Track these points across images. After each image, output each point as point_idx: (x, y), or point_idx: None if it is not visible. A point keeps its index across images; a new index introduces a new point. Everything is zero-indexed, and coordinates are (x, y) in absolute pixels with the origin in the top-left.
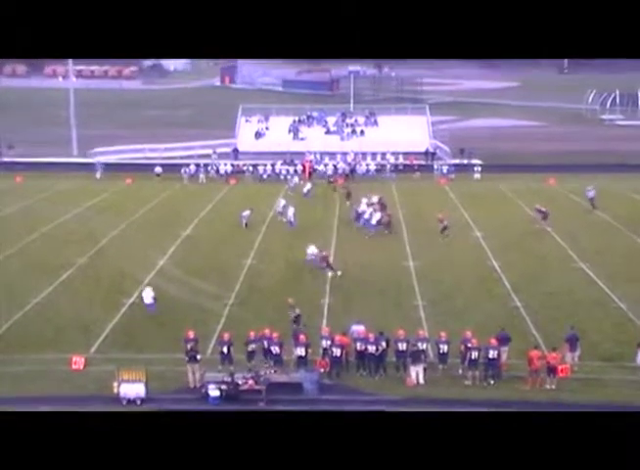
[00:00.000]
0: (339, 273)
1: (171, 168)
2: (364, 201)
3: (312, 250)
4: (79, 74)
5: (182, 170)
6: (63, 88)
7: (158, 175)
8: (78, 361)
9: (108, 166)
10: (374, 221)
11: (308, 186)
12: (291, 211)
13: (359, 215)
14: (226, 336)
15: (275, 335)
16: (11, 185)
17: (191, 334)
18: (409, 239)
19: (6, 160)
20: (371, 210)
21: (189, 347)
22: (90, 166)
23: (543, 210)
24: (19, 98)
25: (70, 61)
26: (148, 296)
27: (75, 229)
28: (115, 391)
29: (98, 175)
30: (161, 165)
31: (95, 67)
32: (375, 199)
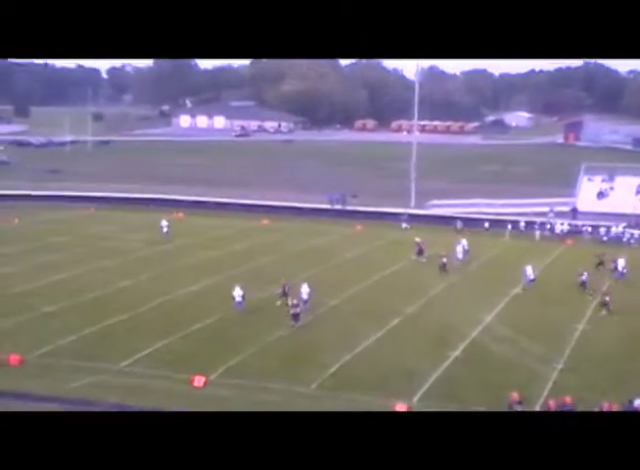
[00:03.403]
0: None
1: (501, 225)
2: None
3: None
4: (423, 129)
5: (508, 226)
6: (405, 142)
7: (486, 230)
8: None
9: (433, 219)
10: None
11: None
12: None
13: None
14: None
15: None
16: (351, 232)
17: (515, 396)
18: None
19: (349, 208)
20: None
21: (515, 408)
22: (425, 218)
23: None
24: (365, 151)
25: (416, 116)
26: (237, 294)
27: (406, 279)
28: None
29: (404, 226)
30: (489, 221)
31: (437, 122)
32: None
